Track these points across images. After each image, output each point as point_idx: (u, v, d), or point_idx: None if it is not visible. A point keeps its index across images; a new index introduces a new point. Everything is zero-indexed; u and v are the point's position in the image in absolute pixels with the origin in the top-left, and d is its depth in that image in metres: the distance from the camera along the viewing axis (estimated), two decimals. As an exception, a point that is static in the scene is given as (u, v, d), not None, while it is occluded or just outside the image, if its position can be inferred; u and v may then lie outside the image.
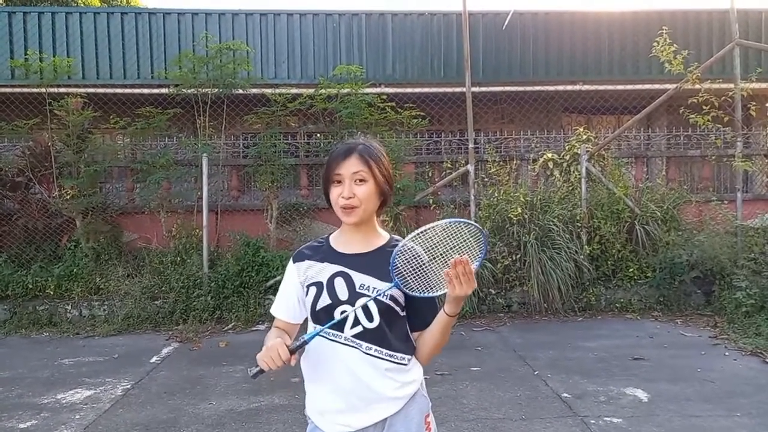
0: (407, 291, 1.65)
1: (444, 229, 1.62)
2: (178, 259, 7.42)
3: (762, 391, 4.38)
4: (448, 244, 1.62)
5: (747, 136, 8.81)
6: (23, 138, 7.96)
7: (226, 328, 6.71)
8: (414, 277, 1.64)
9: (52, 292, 7.21)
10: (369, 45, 10.26)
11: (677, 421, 3.86)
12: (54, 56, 8.70)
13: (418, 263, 1.64)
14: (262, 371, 1.55)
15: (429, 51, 10.34)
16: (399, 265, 1.63)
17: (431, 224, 1.63)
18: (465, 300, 1.64)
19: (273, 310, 1.85)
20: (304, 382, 1.79)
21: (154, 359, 5.60)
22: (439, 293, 1.64)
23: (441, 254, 1.63)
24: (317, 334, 1.61)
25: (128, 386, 4.82)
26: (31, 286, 7.17)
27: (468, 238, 1.61)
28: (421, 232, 1.62)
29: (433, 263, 1.64)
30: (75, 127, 7.72)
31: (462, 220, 1.61)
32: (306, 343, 1.59)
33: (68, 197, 7.70)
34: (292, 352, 1.54)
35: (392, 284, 1.64)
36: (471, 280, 1.53)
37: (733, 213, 7.44)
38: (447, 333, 1.71)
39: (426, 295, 1.65)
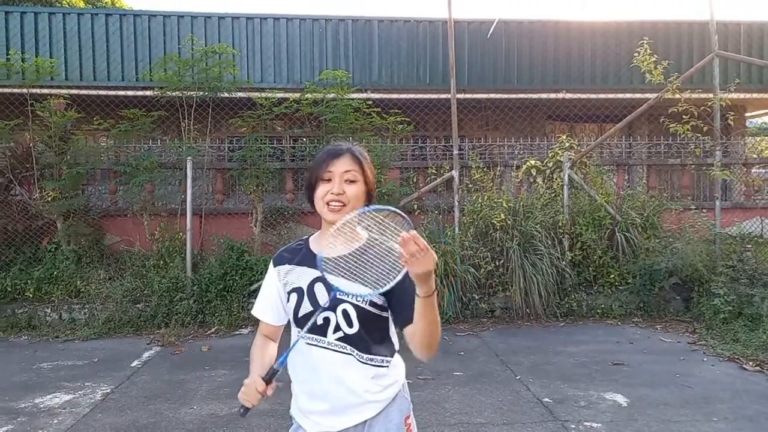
0: (377, 291, 1.57)
1: (359, 221, 1.57)
2: (161, 262, 7.37)
3: (739, 396, 4.46)
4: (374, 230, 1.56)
5: (725, 145, 9.01)
6: (4, 139, 7.82)
7: (208, 332, 6.66)
8: (368, 270, 1.58)
9: (31, 295, 7.11)
10: (355, 51, 10.29)
11: (656, 426, 3.92)
12: (36, 56, 8.57)
13: (359, 257, 1.59)
14: (248, 409, 1.64)
15: (415, 57, 10.39)
16: (341, 267, 1.60)
17: (343, 220, 1.57)
18: (435, 272, 1.49)
19: (256, 313, 1.86)
20: (291, 383, 1.81)
21: (135, 363, 5.54)
22: (402, 273, 1.53)
23: (374, 242, 1.58)
24: (284, 360, 1.63)
25: (108, 390, 4.77)
26: (9, 289, 7.08)
27: (387, 223, 1.54)
28: (341, 227, 1.57)
29: (372, 251, 1.59)
30: (57, 129, 7.64)
31: (367, 209, 1.54)
32: (276, 372, 1.64)
33: (49, 199, 7.60)
34: (267, 382, 1.62)
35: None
36: (428, 253, 1.40)
37: (711, 221, 7.57)
38: (431, 314, 1.55)
39: (392, 283, 1.55)
